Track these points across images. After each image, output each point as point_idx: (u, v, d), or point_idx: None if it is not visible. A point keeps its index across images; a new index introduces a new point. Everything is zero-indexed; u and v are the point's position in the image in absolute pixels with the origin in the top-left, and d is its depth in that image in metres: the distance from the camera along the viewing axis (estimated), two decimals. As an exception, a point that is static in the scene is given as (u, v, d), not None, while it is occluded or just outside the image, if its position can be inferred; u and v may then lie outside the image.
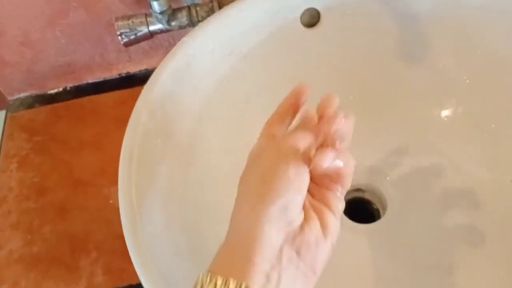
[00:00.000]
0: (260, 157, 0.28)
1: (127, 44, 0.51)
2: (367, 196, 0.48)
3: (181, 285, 0.31)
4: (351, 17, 0.46)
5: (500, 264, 0.37)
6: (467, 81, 0.44)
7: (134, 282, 0.47)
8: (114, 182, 0.38)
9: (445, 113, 0.46)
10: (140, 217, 0.33)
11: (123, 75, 0.63)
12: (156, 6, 0.48)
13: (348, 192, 0.48)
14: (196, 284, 0.24)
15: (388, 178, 0.46)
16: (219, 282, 0.24)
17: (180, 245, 0.35)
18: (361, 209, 0.48)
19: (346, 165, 0.29)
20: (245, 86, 0.46)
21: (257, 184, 0.27)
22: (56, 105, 0.62)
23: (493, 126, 0.43)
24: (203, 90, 0.44)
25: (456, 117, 0.45)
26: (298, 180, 0.27)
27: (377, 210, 0.47)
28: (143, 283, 0.31)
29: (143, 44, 0.59)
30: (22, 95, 0.62)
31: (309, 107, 0.45)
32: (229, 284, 0.24)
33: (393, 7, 0.45)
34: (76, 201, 0.53)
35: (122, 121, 0.41)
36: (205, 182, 0.40)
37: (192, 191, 0.39)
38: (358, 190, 0.48)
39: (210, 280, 0.24)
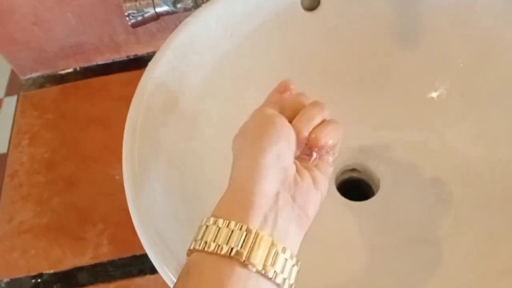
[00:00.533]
0: (248, 121, 0.32)
1: (134, 25, 0.53)
2: (362, 176, 0.49)
3: (178, 247, 0.33)
4: (350, 1, 0.47)
5: (484, 239, 0.39)
6: (461, 64, 0.46)
7: (138, 253, 0.49)
8: (120, 158, 0.39)
9: (438, 94, 0.47)
10: (142, 183, 0.35)
11: (131, 57, 0.65)
12: (162, -12, 0.50)
13: (344, 172, 0.50)
14: (200, 226, 0.27)
15: (382, 157, 0.47)
16: (220, 222, 0.26)
17: (179, 212, 0.37)
18: (357, 189, 0.50)
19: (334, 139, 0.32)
20: (245, 65, 0.48)
21: (250, 138, 0.30)
22: (66, 85, 0.64)
23: (484, 107, 0.44)
24: (204, 68, 0.46)
25: (449, 98, 0.47)
26: (285, 130, 0.30)
27: (372, 189, 0.49)
28: (143, 243, 0.33)
29: (151, 26, 0.61)
30: (34, 75, 0.65)
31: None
32: (231, 225, 0.26)
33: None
34: (83, 176, 0.56)
35: (129, 101, 0.43)
36: (205, 155, 0.42)
37: (192, 163, 0.41)
38: (353, 170, 0.50)
39: (214, 223, 0.26)
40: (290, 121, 0.31)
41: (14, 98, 0.64)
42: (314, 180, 0.30)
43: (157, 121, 0.40)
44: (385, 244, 0.43)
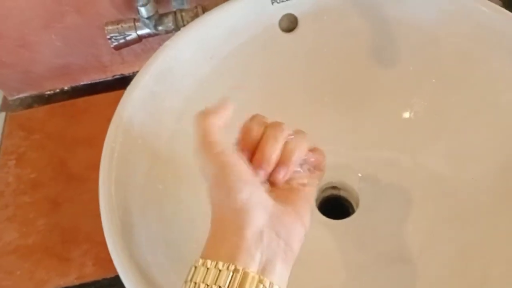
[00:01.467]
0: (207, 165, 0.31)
1: (117, 48, 0.54)
2: (342, 193, 0.50)
3: (155, 272, 0.34)
4: (327, 22, 0.48)
5: (457, 255, 0.39)
6: (435, 83, 0.47)
7: (121, 273, 0.50)
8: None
9: (413, 112, 0.48)
10: (118, 208, 0.36)
11: (117, 76, 0.66)
12: (143, 11, 0.51)
13: (324, 190, 0.51)
14: (190, 268, 0.27)
15: (359, 175, 0.48)
16: (208, 263, 0.27)
17: (156, 236, 0.38)
18: (337, 206, 0.50)
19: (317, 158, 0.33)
20: (225, 86, 0.49)
21: (219, 185, 0.29)
22: (53, 105, 0.65)
23: (457, 125, 0.45)
24: (184, 91, 0.46)
25: (423, 117, 0.47)
26: (243, 175, 0.29)
27: (352, 207, 0.50)
28: (118, 270, 0.33)
29: (136, 47, 0.62)
30: (21, 95, 0.65)
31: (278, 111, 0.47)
32: (219, 265, 0.26)
33: (366, 12, 0.47)
34: (69, 196, 0.56)
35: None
36: (183, 178, 0.42)
37: (170, 185, 0.42)
38: (334, 187, 0.50)
39: (202, 264, 0.27)
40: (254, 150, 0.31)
41: (1, 118, 0.64)
42: (297, 211, 0.30)
43: (135, 145, 0.40)
44: (363, 262, 0.43)
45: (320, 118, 0.50)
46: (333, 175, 0.49)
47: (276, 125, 0.32)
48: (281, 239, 0.29)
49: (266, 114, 0.45)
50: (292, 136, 0.32)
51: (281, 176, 0.31)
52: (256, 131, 0.32)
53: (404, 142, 0.47)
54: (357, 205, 0.48)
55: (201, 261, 0.27)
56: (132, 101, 0.42)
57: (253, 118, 0.33)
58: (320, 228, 0.47)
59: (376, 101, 0.49)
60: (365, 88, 0.49)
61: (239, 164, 0.29)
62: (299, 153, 0.32)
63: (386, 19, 0.46)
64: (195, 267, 0.27)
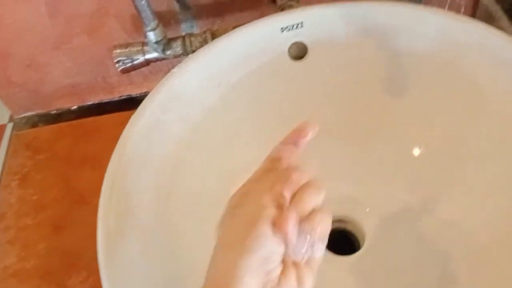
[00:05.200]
0: (242, 206, 0.29)
1: (124, 71, 0.53)
2: (349, 227, 0.49)
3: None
4: (337, 51, 0.47)
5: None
6: (449, 119, 0.45)
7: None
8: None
9: (424, 147, 0.47)
10: (116, 243, 0.35)
11: (125, 97, 0.66)
12: (151, 36, 0.50)
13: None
14: None
15: (367, 209, 0.47)
16: None
17: (154, 274, 0.37)
18: (343, 240, 0.49)
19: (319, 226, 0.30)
20: (232, 115, 0.48)
21: (237, 233, 0.27)
22: (60, 124, 0.64)
23: (470, 163, 0.44)
24: (190, 119, 0.45)
25: (435, 152, 0.46)
26: (274, 235, 0.27)
27: (358, 241, 0.48)
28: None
29: (144, 68, 0.62)
30: (28, 113, 0.65)
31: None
32: None
33: (377, 43, 0.46)
34: (72, 219, 0.55)
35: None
36: (186, 211, 0.41)
37: (171, 220, 0.40)
38: (340, 221, 0.49)
39: None
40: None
41: (6, 136, 0.64)
42: (299, 280, 0.28)
43: (137, 176, 0.40)
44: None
45: (329, 149, 0.48)
46: (340, 208, 0.48)
47: (313, 187, 0.30)
48: None
49: (274, 143, 0.45)
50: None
51: (303, 251, 0.29)
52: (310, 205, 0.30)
53: (415, 179, 0.46)
54: (364, 240, 0.47)
55: None
56: (136, 129, 0.42)
57: (311, 187, 0.30)
58: (325, 264, 0.45)
59: (387, 134, 0.48)
60: (375, 120, 0.48)
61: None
62: (326, 230, 0.30)
63: (397, 49, 0.45)
64: None
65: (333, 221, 0.49)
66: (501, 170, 0.43)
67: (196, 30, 0.58)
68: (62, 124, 0.64)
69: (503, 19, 0.54)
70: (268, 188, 0.29)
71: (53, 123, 0.65)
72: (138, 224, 0.38)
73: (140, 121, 0.42)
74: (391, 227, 0.45)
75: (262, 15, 0.55)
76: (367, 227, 0.46)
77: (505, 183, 0.41)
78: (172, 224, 0.40)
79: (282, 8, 0.51)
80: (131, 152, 0.40)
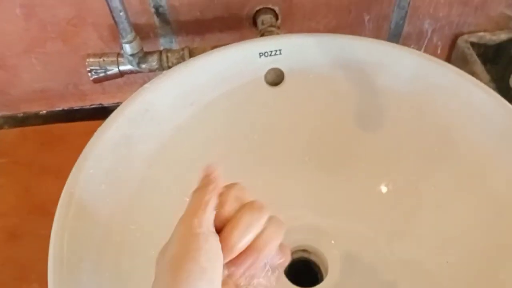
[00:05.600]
0: (172, 240, 0.27)
1: (96, 81, 0.52)
2: (312, 257, 0.48)
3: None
4: (313, 81, 0.47)
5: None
6: (415, 155, 0.46)
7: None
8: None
9: (391, 186, 0.47)
10: (69, 261, 0.33)
11: (96, 106, 0.64)
12: (127, 48, 0.49)
13: (294, 252, 0.49)
14: None
15: (332, 242, 0.46)
16: None
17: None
18: (306, 270, 0.48)
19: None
20: (203, 135, 0.47)
21: (170, 267, 0.25)
22: (25, 128, 0.62)
23: (435, 205, 0.44)
24: (159, 136, 0.44)
25: (401, 191, 0.46)
26: (213, 260, 0.26)
27: (321, 272, 0.48)
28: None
29: (118, 79, 0.60)
30: (-7, 115, 0.63)
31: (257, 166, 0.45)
32: None
33: (353, 77, 0.46)
34: (28, 228, 0.53)
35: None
36: (146, 230, 0.40)
37: (130, 238, 0.39)
38: (304, 250, 0.48)
39: None
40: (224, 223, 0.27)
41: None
42: None
43: (97, 192, 0.38)
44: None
45: (299, 177, 0.48)
46: (305, 238, 0.48)
47: (254, 209, 0.28)
48: None
49: (244, 168, 0.44)
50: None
51: (241, 271, 0.27)
52: (228, 206, 0.28)
53: (381, 215, 0.46)
54: (327, 272, 0.46)
55: None
56: (101, 143, 0.40)
57: (230, 189, 0.28)
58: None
59: (356, 167, 0.48)
60: (345, 152, 0.48)
61: (216, 250, 0.26)
62: (270, 248, 0.28)
63: (371, 85, 0.46)
64: None
65: (297, 250, 0.49)
66: (463, 214, 0.43)
67: (175, 46, 0.57)
68: (28, 128, 0.62)
69: (477, 63, 0.56)
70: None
71: (19, 126, 0.63)
72: (94, 243, 0.37)
73: (106, 134, 0.41)
74: (355, 261, 0.45)
75: (242, 37, 0.55)
76: (331, 259, 0.46)
77: (467, 229, 0.41)
78: (131, 243, 0.39)
79: (262, 34, 0.51)
80: (93, 165, 0.39)
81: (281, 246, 0.29)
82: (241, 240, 0.27)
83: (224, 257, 0.26)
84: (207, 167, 0.29)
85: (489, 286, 0.38)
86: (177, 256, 0.25)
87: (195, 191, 0.28)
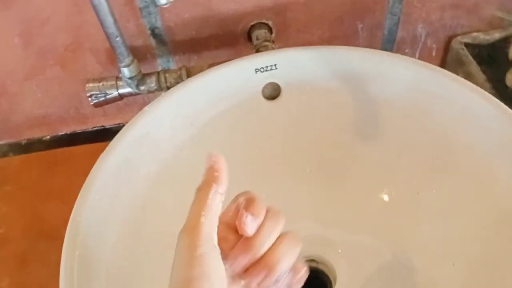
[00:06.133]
0: (176, 264, 0.27)
1: (97, 105, 0.53)
2: (320, 267, 0.48)
3: None
4: (310, 94, 0.48)
5: None
6: (415, 164, 0.46)
7: None
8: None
9: (393, 193, 0.47)
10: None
11: (98, 128, 0.65)
12: (126, 72, 0.50)
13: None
14: None
15: (339, 250, 0.47)
16: None
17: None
18: (314, 280, 0.48)
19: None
20: (203, 154, 0.47)
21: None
22: (29, 154, 0.63)
23: (439, 211, 0.44)
24: (161, 158, 0.45)
25: (403, 199, 0.46)
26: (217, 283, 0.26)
27: (330, 281, 0.48)
28: None
29: (118, 100, 0.61)
30: (-3, 142, 0.64)
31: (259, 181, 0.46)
32: None
33: (349, 88, 0.47)
34: (38, 254, 0.54)
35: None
36: (153, 252, 0.41)
37: (138, 262, 0.40)
38: (312, 260, 0.49)
39: None
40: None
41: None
42: None
43: (103, 216, 0.39)
44: None
45: (302, 189, 0.49)
46: (312, 248, 0.48)
47: (275, 216, 0.28)
48: None
49: (247, 182, 0.44)
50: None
51: (256, 283, 0.27)
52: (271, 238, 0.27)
53: (385, 223, 0.46)
54: (335, 280, 0.47)
55: None
56: (105, 168, 0.41)
57: (252, 201, 0.29)
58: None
59: (358, 177, 0.48)
60: (347, 162, 0.48)
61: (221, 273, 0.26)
62: (287, 264, 0.27)
63: (368, 95, 0.46)
64: None
65: (307, 261, 0.49)
66: (466, 221, 0.43)
67: (172, 65, 0.58)
68: (32, 155, 0.63)
69: (472, 64, 0.56)
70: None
71: (23, 153, 0.63)
72: (103, 268, 0.37)
73: (109, 159, 0.42)
74: (362, 269, 0.45)
75: (238, 53, 0.56)
76: (339, 268, 0.46)
77: (471, 235, 0.42)
78: (139, 267, 0.40)
79: (257, 49, 0.52)
80: (98, 191, 0.39)
81: (297, 266, 0.29)
82: (262, 246, 0.27)
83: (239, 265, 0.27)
84: (209, 156, 0.30)
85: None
86: (179, 285, 0.25)
87: (199, 190, 0.29)
